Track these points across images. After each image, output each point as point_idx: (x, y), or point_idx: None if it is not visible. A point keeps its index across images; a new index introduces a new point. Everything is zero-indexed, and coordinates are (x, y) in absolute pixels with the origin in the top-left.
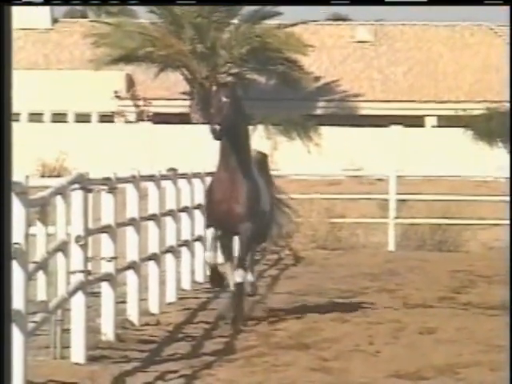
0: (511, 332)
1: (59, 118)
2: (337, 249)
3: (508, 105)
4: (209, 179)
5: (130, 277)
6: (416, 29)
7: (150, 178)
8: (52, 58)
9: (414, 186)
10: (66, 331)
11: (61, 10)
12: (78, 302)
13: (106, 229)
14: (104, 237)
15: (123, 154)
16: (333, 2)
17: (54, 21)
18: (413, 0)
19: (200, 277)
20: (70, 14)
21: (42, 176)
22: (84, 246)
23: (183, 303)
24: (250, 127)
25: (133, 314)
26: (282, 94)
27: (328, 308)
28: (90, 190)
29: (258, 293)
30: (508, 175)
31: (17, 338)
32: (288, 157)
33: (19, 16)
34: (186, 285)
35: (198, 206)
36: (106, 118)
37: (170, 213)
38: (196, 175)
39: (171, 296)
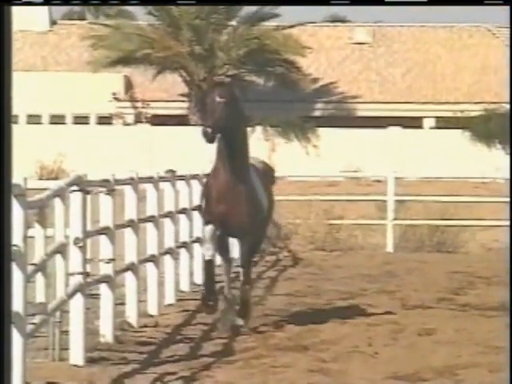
0: (511, 333)
1: (57, 119)
2: (335, 250)
3: (507, 106)
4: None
5: (129, 278)
6: (414, 30)
7: (149, 179)
8: (50, 59)
9: (412, 187)
10: (65, 333)
11: (59, 11)
12: (77, 303)
13: (104, 231)
14: (102, 239)
15: (121, 155)
16: (332, 1)
17: (52, 23)
18: (413, 0)
19: (199, 279)
20: (68, 15)
21: (40, 178)
22: (82, 248)
23: (182, 305)
24: (249, 128)
25: (131, 315)
26: (280, 96)
27: (326, 309)
28: (88, 192)
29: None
30: (507, 176)
31: (16, 339)
32: (286, 158)
33: (17, 17)
34: (185, 286)
35: (197, 208)
36: (105, 120)
37: (169, 214)
38: (194, 177)
39: (170, 298)
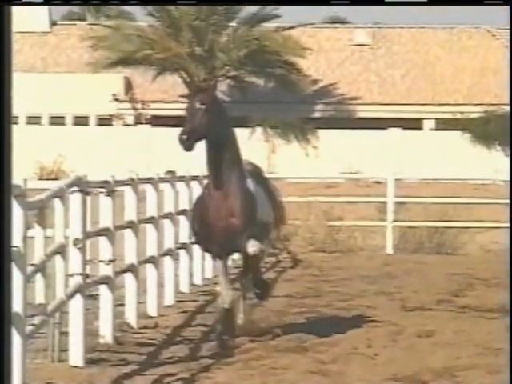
0: (511, 335)
1: (57, 120)
2: (335, 252)
3: (506, 108)
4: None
5: (129, 279)
6: (414, 32)
7: (149, 180)
8: (50, 60)
9: (412, 188)
10: (65, 334)
11: (59, 12)
12: (77, 304)
13: (104, 232)
14: (102, 240)
15: (121, 156)
16: (332, 1)
17: (52, 23)
18: (413, 0)
19: (198, 280)
20: (68, 16)
21: (40, 179)
22: (82, 249)
23: (181, 306)
24: (249, 130)
25: (131, 316)
26: (279, 97)
27: (326, 311)
28: (88, 193)
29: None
30: (507, 178)
31: (15, 340)
32: (286, 160)
33: (17, 18)
34: (185, 288)
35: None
36: (104, 121)
37: (169, 215)
38: (194, 178)
39: (169, 299)
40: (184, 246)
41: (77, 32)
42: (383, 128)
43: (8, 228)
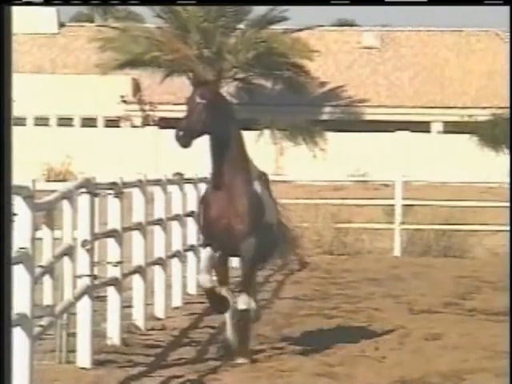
0: (511, 336)
1: (65, 122)
2: (342, 254)
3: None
4: None
5: (136, 281)
6: (422, 34)
7: (157, 182)
8: (58, 62)
9: (419, 191)
10: (72, 335)
11: (67, 14)
12: (84, 306)
13: (112, 233)
14: (110, 241)
15: (129, 158)
16: (332, 1)
17: (61, 25)
18: (413, 0)
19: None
20: (77, 18)
21: (48, 180)
22: (90, 251)
23: (189, 308)
24: (257, 132)
25: (138, 318)
26: (287, 99)
27: (333, 313)
28: (96, 195)
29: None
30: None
31: (23, 342)
32: (294, 162)
33: (26, 20)
34: (192, 289)
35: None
36: (112, 123)
37: (176, 217)
38: (202, 180)
39: (177, 301)
40: (192, 248)
41: (85, 33)
42: (391, 131)
43: (8, 228)
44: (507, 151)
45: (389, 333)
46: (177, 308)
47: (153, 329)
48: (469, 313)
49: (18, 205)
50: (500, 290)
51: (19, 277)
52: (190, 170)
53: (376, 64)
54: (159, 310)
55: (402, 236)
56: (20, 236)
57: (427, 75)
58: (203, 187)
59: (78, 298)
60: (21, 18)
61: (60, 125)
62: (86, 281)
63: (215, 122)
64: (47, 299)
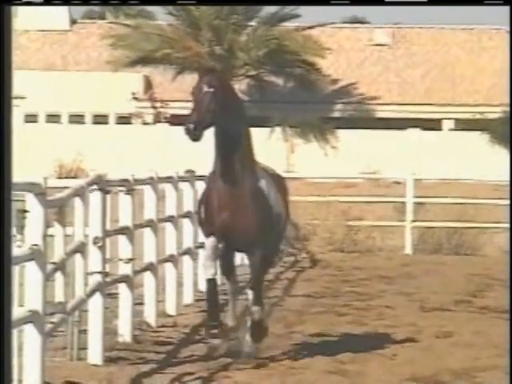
0: (511, 335)
1: (77, 119)
2: (353, 252)
3: None
4: None
5: (148, 278)
6: (433, 32)
7: (168, 179)
8: (70, 59)
9: (430, 189)
10: (84, 332)
11: (79, 11)
12: (96, 303)
13: (123, 230)
14: (122, 238)
15: (140, 155)
16: (332, 1)
17: (72, 22)
18: (413, 0)
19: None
20: (88, 15)
21: (60, 177)
22: (102, 248)
23: (200, 305)
24: (268, 129)
25: (150, 315)
26: (299, 97)
27: (344, 311)
28: (108, 192)
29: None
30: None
31: (35, 338)
32: (305, 159)
33: (38, 17)
34: (203, 287)
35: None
36: (124, 120)
37: (188, 214)
38: None
39: (188, 298)
40: (203, 245)
41: (97, 31)
42: (402, 128)
43: (8, 228)
44: None
45: (400, 330)
46: (188, 305)
47: (164, 326)
48: (480, 310)
49: (30, 202)
50: None
51: (31, 274)
52: (202, 167)
53: (387, 61)
54: (170, 307)
55: (413, 234)
56: (32, 233)
57: (439, 73)
58: None
59: (89, 294)
60: (32, 15)
61: (71, 122)
62: (98, 278)
63: (224, 112)
64: (59, 296)
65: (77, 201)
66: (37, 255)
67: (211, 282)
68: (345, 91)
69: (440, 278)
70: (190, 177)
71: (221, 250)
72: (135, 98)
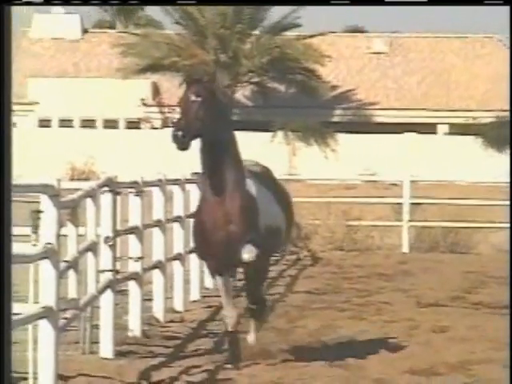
0: (511, 331)
1: (88, 123)
2: (353, 250)
3: None
4: None
5: (156, 276)
6: (429, 40)
7: (176, 181)
8: (81, 66)
9: (427, 190)
10: (95, 327)
11: (90, 21)
12: (107, 299)
13: (133, 230)
14: (131, 237)
15: (149, 158)
16: (332, 2)
17: (84, 31)
18: (413, 0)
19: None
20: (99, 24)
21: (72, 179)
22: (112, 247)
23: (206, 301)
24: (271, 133)
25: (158, 311)
26: (300, 102)
27: (345, 306)
28: (118, 193)
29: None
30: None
31: (49, 333)
32: (306, 162)
33: (51, 25)
34: (209, 283)
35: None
36: (133, 125)
37: None
38: None
39: (195, 294)
40: None
41: (107, 39)
42: (399, 132)
43: (8, 228)
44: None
45: (398, 325)
46: (195, 301)
47: (172, 321)
48: (475, 306)
49: (44, 203)
50: (505, 285)
51: (45, 271)
52: None
53: (385, 68)
54: (178, 303)
55: (410, 233)
56: (46, 232)
57: (434, 79)
58: None
59: (100, 291)
60: (46, 24)
61: (83, 126)
62: (109, 275)
63: (211, 121)
64: (72, 293)
65: (88, 202)
66: (51, 254)
67: (233, 335)
68: (344, 97)
69: (436, 275)
70: (197, 179)
71: (222, 275)
72: (144, 104)
